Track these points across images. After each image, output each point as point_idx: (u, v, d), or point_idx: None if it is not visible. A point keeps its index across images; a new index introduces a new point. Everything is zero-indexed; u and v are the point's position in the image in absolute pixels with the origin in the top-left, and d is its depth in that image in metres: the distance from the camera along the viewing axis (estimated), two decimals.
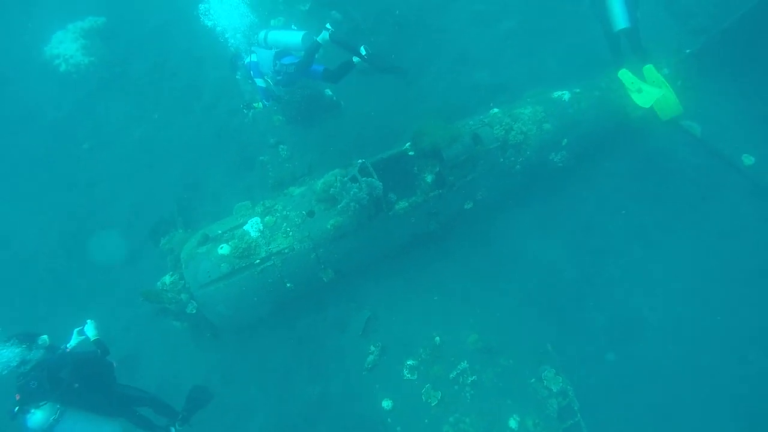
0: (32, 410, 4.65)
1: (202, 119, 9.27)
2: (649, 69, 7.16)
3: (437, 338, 6.81)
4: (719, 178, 7.77)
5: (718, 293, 7.10)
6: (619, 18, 6.88)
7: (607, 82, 7.90)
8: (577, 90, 7.80)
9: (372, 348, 6.87)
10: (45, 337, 5.08)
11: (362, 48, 6.49)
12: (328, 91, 8.61)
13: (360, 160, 6.42)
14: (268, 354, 7.23)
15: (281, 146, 8.26)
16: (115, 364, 5.46)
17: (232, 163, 8.60)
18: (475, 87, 8.93)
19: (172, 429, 5.69)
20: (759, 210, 7.48)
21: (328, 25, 6.49)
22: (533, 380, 6.54)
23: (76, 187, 8.89)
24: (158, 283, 6.66)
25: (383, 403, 6.51)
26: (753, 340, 6.78)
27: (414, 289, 7.26)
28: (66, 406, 4.80)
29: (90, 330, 5.37)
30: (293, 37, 6.71)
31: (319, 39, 6.50)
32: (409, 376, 6.62)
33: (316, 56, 6.72)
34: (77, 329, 5.43)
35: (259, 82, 6.83)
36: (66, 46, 9.44)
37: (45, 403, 4.69)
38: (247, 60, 6.87)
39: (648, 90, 7.06)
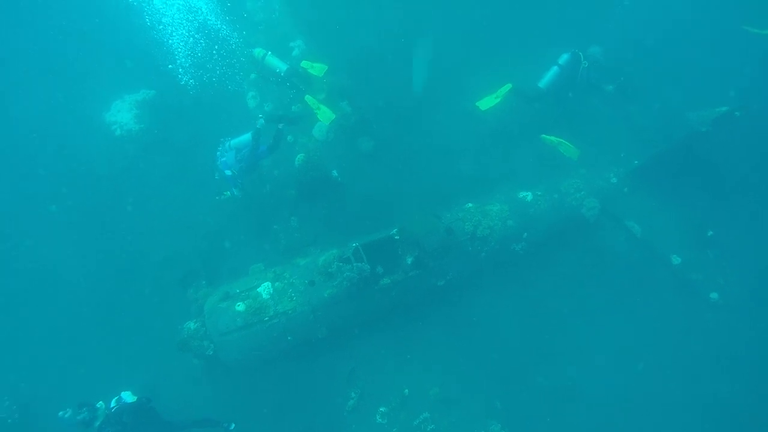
0: None
1: (226, 185, 10.75)
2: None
3: (406, 390, 8.21)
4: (651, 273, 9.23)
5: (641, 368, 8.57)
6: (545, 80, 9.58)
7: (566, 186, 9.44)
8: (539, 192, 9.24)
9: (353, 394, 8.22)
10: (101, 402, 6.70)
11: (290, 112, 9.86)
12: (335, 173, 10.07)
13: (354, 244, 8.00)
14: (268, 390, 8.34)
15: (292, 218, 9.72)
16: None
17: (250, 227, 9.93)
18: (459, 176, 10.21)
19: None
20: (681, 302, 8.98)
21: (259, 115, 9.11)
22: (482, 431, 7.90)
23: (118, 235, 10.38)
24: (184, 326, 8.06)
25: None
26: (667, 411, 8.21)
27: (391, 348, 8.57)
28: None
29: (128, 397, 6.92)
30: (246, 136, 9.08)
31: (258, 126, 8.87)
32: (380, 420, 8.00)
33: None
34: (115, 398, 6.90)
35: (227, 172, 8.90)
36: (122, 114, 11.04)
37: None
38: (221, 160, 9.05)
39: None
